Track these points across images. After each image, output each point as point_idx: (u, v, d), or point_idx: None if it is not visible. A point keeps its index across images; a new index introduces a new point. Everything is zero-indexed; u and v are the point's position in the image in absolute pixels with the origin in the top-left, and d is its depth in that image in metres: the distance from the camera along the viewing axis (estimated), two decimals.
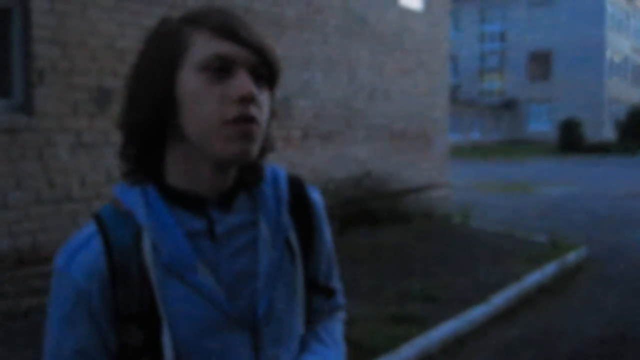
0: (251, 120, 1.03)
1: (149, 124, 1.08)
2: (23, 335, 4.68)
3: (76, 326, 1.07)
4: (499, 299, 5.87)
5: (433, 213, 10.13)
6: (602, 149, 34.18)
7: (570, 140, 35.13)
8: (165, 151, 1.12)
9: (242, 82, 1.03)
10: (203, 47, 1.04)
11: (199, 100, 1.04)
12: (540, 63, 46.19)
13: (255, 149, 1.07)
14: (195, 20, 1.08)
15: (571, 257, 7.67)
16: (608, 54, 44.58)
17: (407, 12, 10.04)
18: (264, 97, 1.08)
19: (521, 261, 7.28)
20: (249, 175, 1.17)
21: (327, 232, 1.33)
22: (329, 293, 1.34)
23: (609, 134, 41.98)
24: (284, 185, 1.22)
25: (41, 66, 5.18)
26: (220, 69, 1.04)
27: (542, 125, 45.63)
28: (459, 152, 32.80)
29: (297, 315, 1.21)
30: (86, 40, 5.47)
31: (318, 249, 1.28)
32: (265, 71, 1.08)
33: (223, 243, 1.12)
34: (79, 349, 1.07)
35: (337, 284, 1.39)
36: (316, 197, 1.30)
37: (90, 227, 1.10)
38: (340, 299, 1.41)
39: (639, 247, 8.96)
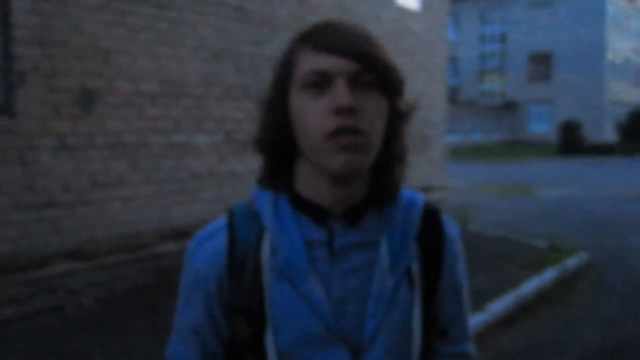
0: (351, 131, 1.03)
1: (275, 143, 1.14)
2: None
3: (194, 307, 1.17)
4: (497, 307, 5.69)
5: None
6: (602, 150, 33.97)
7: (571, 141, 34.92)
8: (295, 163, 1.16)
9: (338, 94, 1.03)
10: (303, 64, 1.07)
11: (303, 116, 1.06)
12: (541, 64, 46.03)
13: (363, 159, 1.06)
14: (302, 39, 1.11)
15: (571, 262, 7.48)
16: (609, 55, 44.39)
17: (405, 12, 9.87)
18: (372, 104, 1.07)
19: (520, 267, 7.10)
20: (379, 192, 1.16)
21: (459, 273, 1.28)
22: (444, 335, 1.28)
23: (609, 135, 41.81)
24: (417, 212, 1.21)
25: (22, 67, 5.01)
26: (320, 83, 1.05)
27: (542, 127, 45.48)
28: (460, 154, 32.69)
29: (410, 350, 1.16)
30: (69, 40, 5.30)
31: (444, 287, 1.24)
32: (372, 78, 1.07)
33: (340, 258, 1.12)
34: (194, 328, 1.17)
35: (463, 330, 1.33)
36: (452, 231, 1.27)
37: (222, 221, 1.19)
38: (469, 348, 1.34)
39: None
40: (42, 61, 5.12)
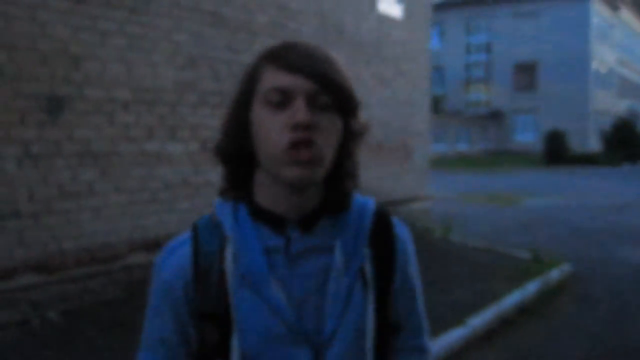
0: (306, 144, 1.10)
1: (234, 152, 1.21)
2: None
3: (162, 317, 1.23)
4: (477, 321, 5.53)
5: (413, 227, 9.80)
6: (587, 160, 34.02)
7: (556, 151, 34.97)
8: (254, 174, 1.23)
9: (297, 111, 1.10)
10: (267, 81, 1.14)
11: (263, 130, 1.14)
12: (526, 74, 46.17)
13: (316, 171, 1.13)
14: (267, 56, 1.17)
15: (554, 274, 7.35)
16: (593, 65, 44.62)
17: (387, 20, 9.75)
18: (327, 122, 1.14)
19: (502, 279, 6.96)
20: (332, 200, 1.24)
21: (412, 271, 1.35)
22: (398, 329, 1.35)
23: (594, 145, 41.99)
24: (368, 216, 1.28)
25: None
26: (281, 100, 1.12)
27: (528, 136, 45.58)
28: (445, 163, 32.68)
29: (365, 346, 1.21)
30: (36, 45, 5.11)
31: (397, 286, 1.30)
32: (329, 99, 1.14)
33: (297, 262, 1.19)
34: (162, 338, 1.23)
35: (419, 324, 1.40)
36: (403, 233, 1.34)
37: (187, 234, 1.26)
38: (424, 341, 1.42)
39: (624, 263, 8.65)
40: (7, 66, 4.92)
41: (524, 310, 6.19)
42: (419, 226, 9.93)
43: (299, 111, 1.09)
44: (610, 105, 47.57)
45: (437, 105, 43.07)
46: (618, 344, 5.48)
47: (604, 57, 46.88)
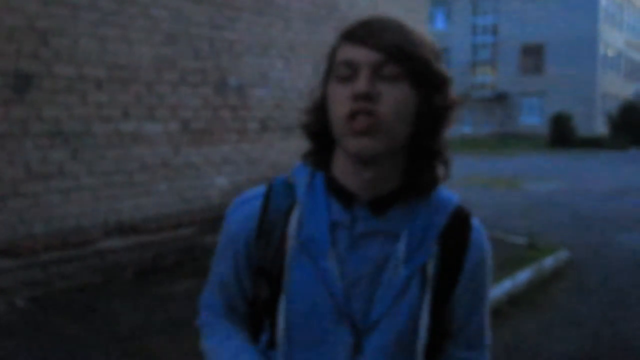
0: (365, 113, 1.07)
1: (314, 128, 1.22)
2: None
3: (224, 262, 1.30)
4: None
5: None
6: (593, 143, 33.67)
7: (561, 134, 34.64)
8: (334, 148, 1.21)
9: (358, 81, 1.08)
10: (339, 57, 1.13)
11: (331, 102, 1.14)
12: (533, 56, 45.62)
13: (377, 143, 1.09)
14: (344, 34, 1.16)
15: (549, 261, 7.09)
16: (601, 47, 44.01)
17: None
18: (394, 93, 1.09)
19: (495, 266, 6.69)
20: (410, 186, 1.20)
21: (481, 281, 1.27)
22: (448, 335, 1.28)
23: (601, 128, 41.52)
24: (445, 212, 1.23)
25: None
26: (349, 73, 1.11)
27: (534, 119, 45.16)
28: (449, 146, 32.27)
29: (413, 346, 1.17)
30: (2, 20, 4.85)
31: (460, 292, 1.24)
32: (398, 69, 1.09)
33: (359, 243, 1.17)
34: (222, 282, 1.32)
35: (476, 338, 1.31)
36: (480, 239, 1.26)
37: (262, 189, 1.28)
38: (479, 357, 1.33)
39: (624, 249, 8.37)
40: None
41: (515, 300, 5.94)
42: None
43: (361, 82, 1.08)
44: (617, 88, 47.00)
45: None
46: (613, 338, 5.22)
47: (612, 40, 46.25)
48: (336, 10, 8.22)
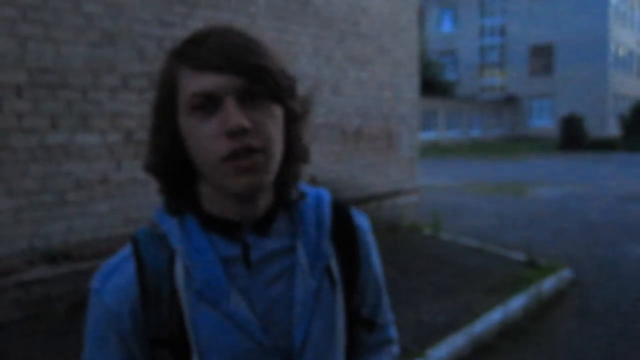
0: (248, 151, 0.96)
1: (167, 165, 1.05)
2: None
3: (107, 348, 1.05)
4: (443, 350, 4.48)
5: (399, 224, 8.76)
6: (605, 145, 32.81)
7: (573, 136, 33.78)
8: (197, 181, 1.08)
9: (228, 115, 0.95)
10: (185, 86, 0.98)
11: (194, 141, 0.99)
12: (542, 57, 44.77)
13: (264, 177, 1.00)
14: (179, 55, 1.00)
15: (549, 283, 6.24)
16: (612, 47, 43.07)
17: None
18: (266, 117, 0.98)
19: (486, 289, 5.88)
20: (285, 197, 1.11)
21: (374, 262, 1.25)
22: (371, 326, 1.26)
23: (613, 130, 40.58)
24: (326, 210, 1.17)
25: None
26: (207, 105, 0.96)
27: (544, 121, 44.33)
28: (457, 150, 31.61)
29: (336, 348, 1.12)
30: None
31: (363, 279, 1.21)
32: (262, 89, 0.97)
33: (258, 270, 1.07)
34: None
35: (385, 316, 1.31)
36: (363, 223, 1.23)
37: (126, 250, 1.08)
38: (391, 332, 1.34)
39: (635, 264, 7.51)
40: None
41: (507, 331, 5.12)
42: (406, 223, 8.89)
43: (231, 115, 0.94)
44: (629, 88, 46.01)
45: (450, 90, 42.00)
46: None
47: (623, 39, 45.29)
48: (309, 4, 7.44)
